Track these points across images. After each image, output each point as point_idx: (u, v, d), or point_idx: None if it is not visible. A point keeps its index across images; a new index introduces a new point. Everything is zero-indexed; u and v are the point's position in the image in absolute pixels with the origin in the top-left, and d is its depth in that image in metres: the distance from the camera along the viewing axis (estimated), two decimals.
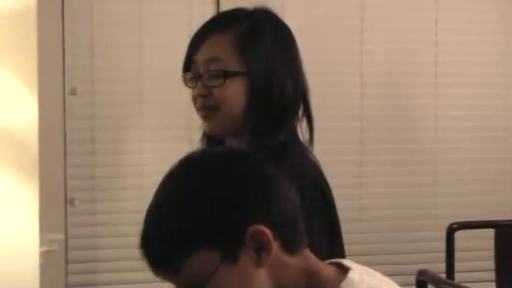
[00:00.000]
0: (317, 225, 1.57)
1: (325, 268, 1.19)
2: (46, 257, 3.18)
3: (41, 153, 3.15)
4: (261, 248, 1.10)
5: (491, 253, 3.09)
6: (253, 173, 1.14)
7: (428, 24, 3.64)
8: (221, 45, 1.66)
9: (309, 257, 1.18)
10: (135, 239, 3.72)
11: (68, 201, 3.26)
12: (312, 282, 1.15)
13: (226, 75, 1.64)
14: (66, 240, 3.24)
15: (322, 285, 1.16)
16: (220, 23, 1.70)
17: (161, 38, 3.27)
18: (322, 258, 1.59)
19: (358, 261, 1.22)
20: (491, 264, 3.09)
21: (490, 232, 3.16)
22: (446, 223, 3.07)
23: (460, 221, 3.09)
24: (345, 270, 1.18)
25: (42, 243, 3.16)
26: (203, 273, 1.09)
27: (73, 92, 3.26)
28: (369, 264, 1.24)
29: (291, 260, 1.15)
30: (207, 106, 1.67)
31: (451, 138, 3.65)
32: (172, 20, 3.28)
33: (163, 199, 1.16)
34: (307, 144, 1.71)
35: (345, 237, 1.65)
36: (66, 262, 3.26)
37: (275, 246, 1.11)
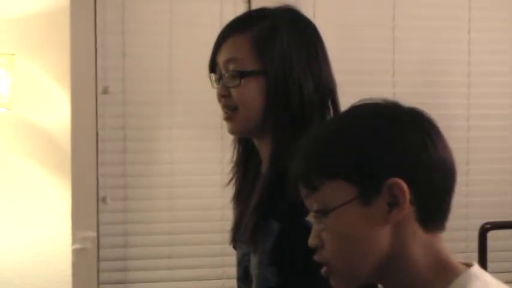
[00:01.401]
0: None
1: (452, 258, 1.15)
2: (78, 255, 3.20)
3: (73, 151, 3.18)
4: (394, 203, 1.09)
5: None
6: (417, 136, 1.12)
7: (461, 23, 3.61)
8: (239, 45, 1.66)
9: (441, 242, 1.14)
10: (166, 237, 3.75)
11: (100, 199, 3.28)
12: (437, 266, 1.12)
13: (242, 75, 1.64)
14: (98, 238, 3.26)
15: (447, 273, 1.12)
16: (240, 24, 1.70)
17: (192, 37, 3.27)
18: None
19: None
20: None
21: None
22: (479, 223, 3.05)
23: (493, 221, 3.06)
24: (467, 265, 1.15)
25: (74, 241, 3.19)
26: (334, 201, 1.11)
27: (105, 91, 3.28)
28: None
29: (422, 235, 1.12)
30: (227, 106, 1.68)
31: (483, 137, 3.61)
32: (203, 19, 3.29)
33: (326, 127, 1.21)
34: None
35: None
36: (98, 260, 3.28)
37: (409, 208, 1.09)
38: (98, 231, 3.26)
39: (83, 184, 3.23)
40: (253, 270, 1.65)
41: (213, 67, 1.72)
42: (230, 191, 1.81)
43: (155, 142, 3.35)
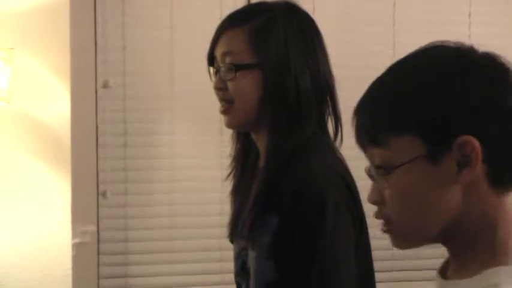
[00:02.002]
0: (344, 219, 1.56)
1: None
2: (78, 249, 3.20)
3: (73, 145, 3.18)
4: (464, 163, 1.01)
5: None
6: (494, 86, 1.04)
7: (461, 17, 3.60)
8: (235, 39, 1.67)
9: (509, 204, 1.06)
10: (166, 232, 3.74)
11: (100, 194, 3.27)
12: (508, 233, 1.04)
13: (237, 68, 1.65)
14: (98, 232, 3.26)
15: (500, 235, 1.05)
16: (237, 18, 1.71)
17: (192, 31, 3.27)
18: (348, 255, 1.58)
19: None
20: None
21: None
22: None
23: None
24: None
25: (74, 235, 3.19)
26: (400, 158, 1.04)
27: (105, 85, 3.27)
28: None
29: (493, 196, 1.04)
30: (224, 100, 1.69)
31: None
32: (203, 13, 3.28)
33: (394, 75, 1.10)
34: (335, 140, 1.70)
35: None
36: (98, 254, 3.28)
37: (480, 167, 1.02)
38: (98, 226, 3.26)
39: (83, 178, 3.23)
40: (251, 265, 1.64)
41: (211, 60, 1.74)
42: (229, 186, 1.81)
43: (155, 136, 3.35)
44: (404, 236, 1.08)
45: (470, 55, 1.08)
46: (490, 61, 1.07)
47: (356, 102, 1.15)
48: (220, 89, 1.69)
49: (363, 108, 1.11)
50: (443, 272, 1.12)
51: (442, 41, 1.11)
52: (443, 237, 1.08)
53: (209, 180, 3.27)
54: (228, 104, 1.68)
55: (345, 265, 1.56)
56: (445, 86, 1.04)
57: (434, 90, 1.04)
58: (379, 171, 1.07)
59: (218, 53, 1.69)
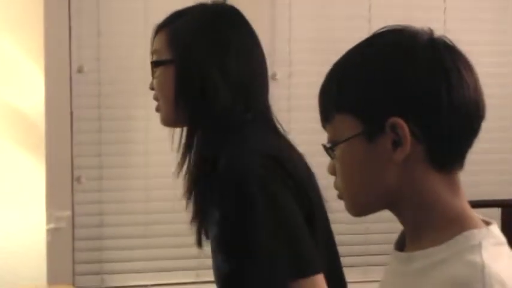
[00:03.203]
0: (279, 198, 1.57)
1: (468, 208, 1.12)
2: (53, 234, 3.19)
3: (47, 131, 3.16)
4: (398, 143, 1.08)
5: None
6: (430, 76, 1.08)
7: (437, 13, 3.61)
8: (159, 39, 1.74)
9: (458, 184, 1.12)
10: (141, 217, 3.73)
11: (75, 179, 3.27)
12: (451, 210, 1.10)
13: (155, 65, 1.73)
14: (73, 217, 3.26)
15: (460, 220, 1.09)
16: (166, 20, 1.77)
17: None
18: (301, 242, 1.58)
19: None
20: None
21: (497, 211, 3.16)
22: None
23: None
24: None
25: (49, 220, 3.18)
26: (342, 135, 1.12)
27: (80, 70, 3.26)
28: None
29: (435, 174, 1.10)
30: (155, 98, 1.76)
31: None
32: None
33: (346, 57, 1.18)
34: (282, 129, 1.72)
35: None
36: (73, 239, 3.27)
37: (416, 147, 1.08)
38: (72, 211, 3.26)
39: (58, 164, 3.21)
40: (212, 260, 1.67)
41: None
42: None
43: (130, 122, 3.34)
44: (353, 204, 1.16)
45: (414, 43, 1.12)
46: (434, 50, 1.11)
47: None
48: (152, 88, 1.76)
49: (320, 90, 1.18)
50: (400, 247, 1.16)
51: (395, 25, 1.17)
52: (391, 210, 1.14)
53: None
54: (157, 102, 1.75)
55: (293, 237, 1.56)
56: (383, 72, 1.10)
57: (370, 73, 1.11)
58: (330, 145, 1.15)
59: (151, 54, 1.77)
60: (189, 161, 1.72)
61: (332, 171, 1.17)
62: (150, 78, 1.78)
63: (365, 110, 1.10)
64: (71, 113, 3.25)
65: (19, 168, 3.13)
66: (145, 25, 3.31)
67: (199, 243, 1.75)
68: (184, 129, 1.74)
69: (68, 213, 3.23)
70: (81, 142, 3.27)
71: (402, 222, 1.15)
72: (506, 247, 1.10)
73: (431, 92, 1.08)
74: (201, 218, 1.68)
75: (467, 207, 1.12)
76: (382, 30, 1.18)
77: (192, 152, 1.72)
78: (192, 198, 1.71)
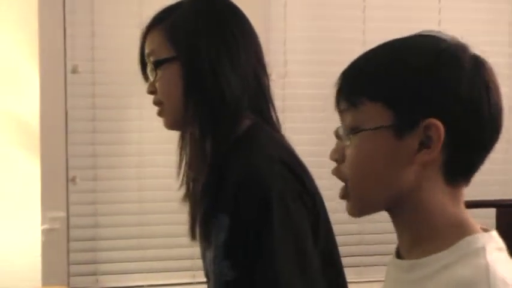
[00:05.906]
0: (295, 210, 1.55)
1: (470, 218, 1.12)
2: (48, 235, 3.19)
3: (42, 131, 3.16)
4: (425, 144, 1.06)
5: None
6: (474, 87, 1.09)
7: (431, 13, 3.61)
8: (154, 38, 1.67)
9: (461, 198, 1.12)
10: (136, 217, 3.72)
11: (70, 180, 3.26)
12: (452, 219, 1.10)
13: (156, 65, 1.64)
14: (67, 218, 3.25)
15: (461, 228, 1.09)
16: (156, 18, 1.70)
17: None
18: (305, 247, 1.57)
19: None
20: None
21: (492, 212, 3.16)
22: None
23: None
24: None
25: (43, 221, 3.18)
26: (369, 123, 1.09)
27: (74, 70, 3.26)
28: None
29: (443, 186, 1.10)
30: (155, 102, 1.67)
31: None
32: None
33: (384, 49, 1.15)
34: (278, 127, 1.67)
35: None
36: (68, 240, 3.27)
37: (438, 154, 1.07)
38: (67, 212, 3.25)
39: (53, 164, 3.21)
40: (210, 267, 1.64)
41: (143, 66, 1.73)
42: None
43: (125, 122, 3.34)
44: (357, 200, 1.12)
45: (461, 53, 1.13)
46: (477, 63, 1.13)
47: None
48: (152, 92, 1.67)
49: (347, 74, 1.15)
50: (398, 255, 1.15)
51: (432, 31, 1.18)
52: (391, 212, 1.13)
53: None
54: (160, 106, 1.66)
55: (302, 255, 1.54)
56: (428, 71, 1.08)
57: (417, 72, 1.09)
58: (347, 131, 1.11)
59: (147, 56, 1.69)
60: (196, 163, 1.67)
61: (337, 157, 1.13)
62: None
63: (403, 104, 1.08)
64: (66, 114, 3.25)
65: (14, 168, 3.13)
66: (140, 26, 3.30)
67: (193, 236, 1.72)
68: (184, 129, 1.69)
69: (63, 213, 3.23)
70: (75, 142, 3.27)
71: (399, 227, 1.14)
72: (506, 253, 1.11)
73: (475, 103, 1.08)
74: (205, 222, 1.63)
75: (468, 216, 1.12)
76: (425, 32, 1.18)
77: (201, 154, 1.64)
78: (194, 202, 1.69)
